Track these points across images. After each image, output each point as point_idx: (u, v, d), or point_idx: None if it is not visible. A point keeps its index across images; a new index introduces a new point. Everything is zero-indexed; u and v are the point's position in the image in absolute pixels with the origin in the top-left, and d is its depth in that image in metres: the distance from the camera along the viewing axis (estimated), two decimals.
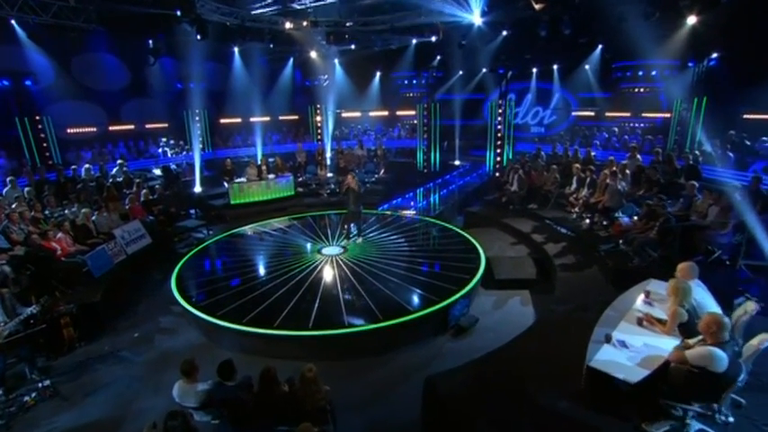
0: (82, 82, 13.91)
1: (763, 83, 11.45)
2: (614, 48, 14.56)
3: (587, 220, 9.28)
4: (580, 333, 4.52)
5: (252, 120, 17.79)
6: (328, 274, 7.55)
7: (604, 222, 8.82)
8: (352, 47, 15.79)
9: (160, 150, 15.59)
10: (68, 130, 14.25)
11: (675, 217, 7.13)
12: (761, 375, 4.06)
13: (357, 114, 20.93)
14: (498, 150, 14.51)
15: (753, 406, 3.90)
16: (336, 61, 18.42)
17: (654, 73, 15.68)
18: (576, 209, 9.72)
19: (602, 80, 16.49)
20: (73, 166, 11.26)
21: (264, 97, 17.69)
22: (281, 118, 19.26)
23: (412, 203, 12.21)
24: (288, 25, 12.46)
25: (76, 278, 6.90)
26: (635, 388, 3.56)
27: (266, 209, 11.73)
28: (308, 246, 8.96)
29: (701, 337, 3.64)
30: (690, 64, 13.70)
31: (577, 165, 10.34)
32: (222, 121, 18.18)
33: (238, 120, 18.38)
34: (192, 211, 11.78)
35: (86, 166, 11.09)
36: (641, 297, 4.84)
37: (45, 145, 12.00)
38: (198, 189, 13.32)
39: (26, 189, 9.12)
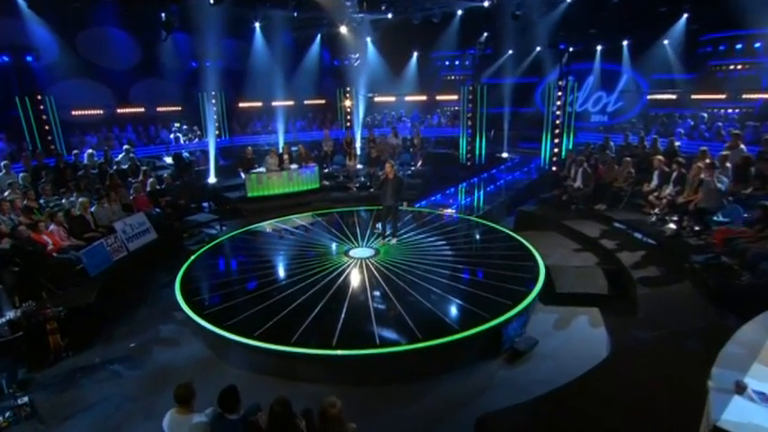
0: (88, 59, 13.98)
1: None
2: (704, 17, 13.31)
3: (673, 225, 8.35)
4: (684, 373, 3.72)
5: (274, 104, 17.67)
6: (357, 281, 7.24)
7: (696, 228, 7.86)
8: (389, 15, 15.36)
9: (172, 136, 15.55)
10: (72, 112, 14.36)
11: None
12: None
13: (391, 99, 20.60)
14: (556, 141, 13.71)
15: None
16: (369, 39, 18.18)
17: (758, 45, 14.22)
18: (658, 210, 8.93)
19: (686, 58, 15.32)
20: (75, 151, 11.19)
21: (288, 79, 17.57)
22: (306, 102, 19.20)
23: (453, 201, 11.98)
24: None
25: (69, 277, 6.69)
26: None
27: (287, 203, 11.67)
28: (334, 246, 8.77)
29: None
30: None
31: (660, 157, 9.42)
32: (241, 104, 18.08)
33: (259, 104, 18.27)
34: (205, 204, 11.83)
35: (89, 151, 11.04)
36: None
37: (47, 128, 12.06)
38: (212, 180, 13.32)
39: (21, 175, 9.02)
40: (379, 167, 11.93)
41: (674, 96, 15.99)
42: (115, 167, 10.80)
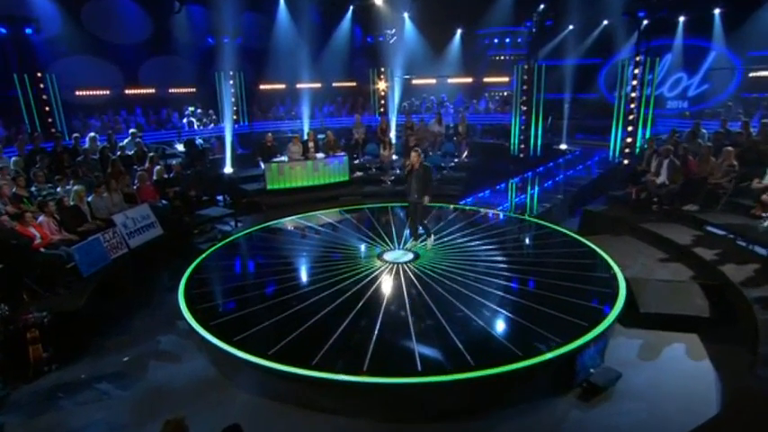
0: (94, 33, 13.95)
1: None
2: None
3: None
4: None
5: (298, 86, 17.60)
6: (392, 290, 6.82)
7: None
8: None
9: (185, 121, 15.52)
10: (76, 93, 14.42)
11: None
12: None
13: (431, 82, 20.38)
14: (629, 129, 12.96)
15: None
16: (406, 14, 17.89)
17: None
18: None
19: None
20: (75, 135, 11.08)
21: (315, 59, 17.40)
22: (335, 85, 19.10)
23: (504, 198, 11.64)
24: None
25: (57, 276, 6.38)
26: None
27: (312, 197, 11.62)
28: (365, 248, 8.49)
29: None
30: None
31: None
32: (262, 87, 18.06)
33: (282, 86, 18.28)
34: (219, 197, 11.81)
35: (91, 134, 10.89)
36: None
37: (47, 109, 11.98)
38: (228, 170, 13.29)
39: (13, 159, 8.85)
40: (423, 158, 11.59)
41: None
42: (119, 153, 10.58)
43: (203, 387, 5.34)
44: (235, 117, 15.54)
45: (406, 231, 8.79)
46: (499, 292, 6.70)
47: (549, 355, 5.26)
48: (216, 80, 15.38)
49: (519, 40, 19.92)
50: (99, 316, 6.64)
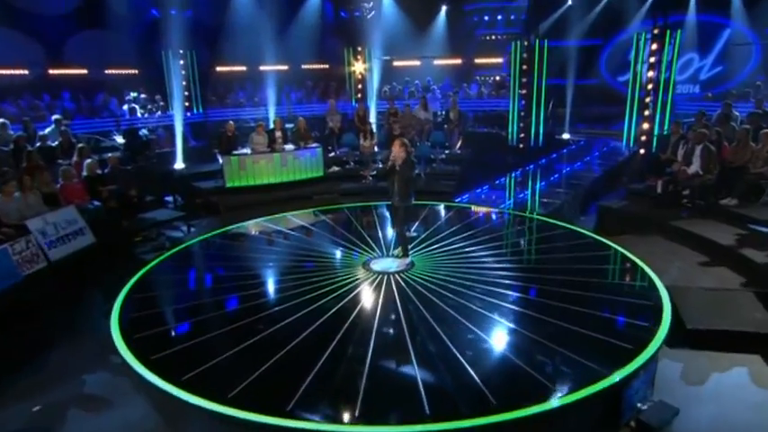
0: (7, 0, 13.39)
1: None
2: None
3: None
4: None
5: (262, 69, 17.41)
6: (384, 308, 6.24)
7: None
8: None
9: (125, 108, 14.95)
10: None
11: None
12: None
13: (415, 63, 20.59)
14: (646, 113, 12.80)
15: None
16: None
17: None
18: None
19: None
20: None
21: (280, 37, 17.22)
22: (304, 67, 19.01)
23: (507, 194, 11.59)
24: None
25: None
26: None
27: (280, 196, 11.40)
28: (344, 255, 8.05)
29: None
30: None
31: None
32: (218, 69, 17.89)
33: (242, 68, 18.10)
34: (168, 197, 11.60)
35: (1, 121, 10.01)
36: None
37: None
38: (179, 165, 13.04)
39: None
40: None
41: None
42: (39, 144, 9.76)
43: None
44: (186, 104, 15.28)
45: (393, 235, 8.40)
46: (515, 308, 6.16)
47: (590, 390, 4.66)
48: (162, 60, 14.96)
49: (512, 17, 19.90)
50: (4, 350, 5.92)
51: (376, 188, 11.67)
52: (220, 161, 11.62)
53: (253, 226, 9.67)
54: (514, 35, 19.22)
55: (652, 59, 12.53)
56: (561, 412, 4.51)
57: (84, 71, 15.47)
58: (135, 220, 9.32)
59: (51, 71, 14.93)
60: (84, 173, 9.05)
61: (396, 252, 7.71)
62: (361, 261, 7.59)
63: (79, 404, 5.22)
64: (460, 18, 20.37)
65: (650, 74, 12.64)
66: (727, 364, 5.64)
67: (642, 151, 12.76)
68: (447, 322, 5.77)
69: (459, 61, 20.75)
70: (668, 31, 12.36)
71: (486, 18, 20.75)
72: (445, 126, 13.89)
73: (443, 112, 14.76)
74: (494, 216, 9.98)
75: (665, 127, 12.65)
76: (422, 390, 4.66)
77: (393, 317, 5.99)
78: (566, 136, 16.29)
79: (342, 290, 6.65)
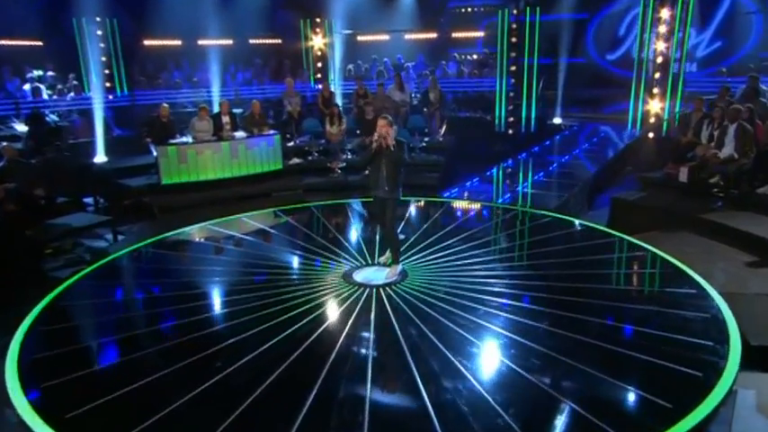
0: None
1: None
2: None
3: None
4: None
5: (201, 43, 17.19)
6: (377, 331, 5.71)
7: None
8: None
9: (27, 88, 14.35)
10: None
11: None
12: None
13: (383, 38, 20.44)
14: (655, 91, 12.87)
15: None
16: None
17: None
18: None
19: None
20: None
21: (223, 6, 16.77)
22: (252, 42, 18.83)
23: (504, 187, 11.57)
24: None
25: None
26: None
27: (230, 194, 11.03)
28: (318, 265, 7.58)
29: None
30: None
31: None
32: (147, 43, 17.47)
33: (176, 42, 17.76)
34: (88, 198, 11.02)
35: None
36: None
37: None
38: (100, 158, 12.50)
39: None
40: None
41: None
42: None
43: None
44: (108, 84, 14.79)
45: (378, 238, 7.97)
46: (543, 326, 5.65)
47: None
48: (75, 31, 14.30)
49: None
50: None
51: (347, 183, 11.47)
52: (154, 153, 11.01)
53: (197, 232, 9.22)
54: (493, 7, 19.11)
55: (662, 28, 12.54)
56: None
57: None
58: (43, 228, 8.61)
59: None
60: None
61: (383, 259, 7.20)
62: (340, 272, 7.07)
63: None
64: None
65: (660, 45, 12.61)
66: None
67: (651, 135, 12.76)
68: (460, 347, 5.22)
69: (433, 36, 20.78)
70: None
71: None
72: (425, 109, 13.64)
73: (417, 95, 14.67)
74: (494, 213, 9.87)
75: (677, 107, 12.72)
76: None
77: (392, 345, 5.35)
78: (557, 121, 16.41)
79: (319, 311, 6.02)
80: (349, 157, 12.47)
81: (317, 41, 16.75)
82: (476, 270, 7.07)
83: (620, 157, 12.93)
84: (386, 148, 6.51)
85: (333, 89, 14.51)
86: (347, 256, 7.57)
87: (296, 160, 12.18)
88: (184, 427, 4.28)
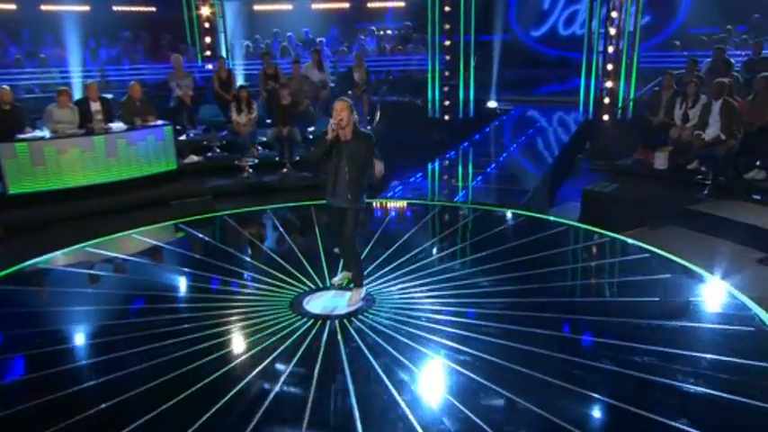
0: None
1: None
2: None
3: None
4: None
5: (44, 9, 16.25)
6: (359, 388, 4.98)
7: None
8: None
9: None
10: None
11: None
12: None
13: (285, 8, 19.90)
14: (609, 68, 13.06)
15: None
16: None
17: None
18: None
19: None
20: None
21: None
22: (117, 9, 17.78)
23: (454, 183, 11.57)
24: None
25: None
26: None
27: (108, 204, 10.15)
28: (252, 292, 6.97)
29: None
30: None
31: None
32: None
33: (9, 6, 16.69)
34: None
35: None
36: None
37: None
38: None
39: None
40: (299, 125, 11.20)
41: None
42: None
43: None
44: None
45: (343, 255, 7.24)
46: (568, 357, 5.23)
47: None
48: None
49: None
50: None
51: (262, 184, 10.93)
52: None
53: (65, 258, 8.14)
54: None
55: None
56: None
57: None
58: None
59: None
60: None
61: (337, 280, 6.67)
62: (285, 301, 6.38)
63: None
64: None
65: (614, 14, 12.85)
66: None
67: (606, 117, 13.03)
68: (481, 398, 4.64)
69: (346, 5, 20.44)
70: None
71: None
72: (348, 93, 13.06)
73: (333, 76, 14.28)
74: (458, 213, 9.72)
75: (632, 85, 13.07)
76: None
77: (381, 406, 4.61)
78: (492, 104, 16.59)
79: (267, 362, 5.18)
80: (260, 150, 11.88)
81: (204, 10, 16.05)
82: (462, 287, 6.67)
83: (573, 144, 13.16)
84: (346, 142, 5.84)
85: (232, 69, 13.81)
86: (291, 280, 6.88)
87: (193, 158, 11.37)
88: None
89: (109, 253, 8.13)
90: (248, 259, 7.89)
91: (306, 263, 7.46)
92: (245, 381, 4.90)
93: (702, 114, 9.30)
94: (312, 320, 5.92)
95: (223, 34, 16.38)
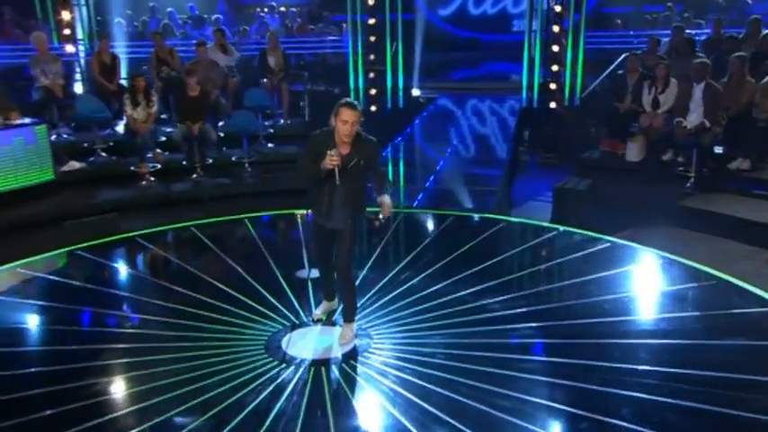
0: None
1: None
2: None
3: None
4: None
5: None
6: None
7: None
8: None
9: None
10: None
11: None
12: None
13: None
14: (554, 49, 13.13)
15: None
16: None
17: None
18: None
19: None
20: None
21: None
22: None
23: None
24: None
25: None
26: None
27: None
28: (212, 332, 6.21)
29: None
30: None
31: None
32: None
33: None
34: None
35: None
36: None
37: None
38: None
39: None
40: (212, 120, 10.87)
41: None
42: None
43: None
44: None
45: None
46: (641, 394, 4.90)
47: None
48: None
49: None
50: None
51: (170, 195, 10.16)
52: None
53: None
54: None
55: None
56: None
57: None
58: None
59: None
60: None
61: (318, 313, 6.20)
62: (260, 341, 5.84)
63: None
64: None
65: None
66: None
67: (553, 105, 13.17)
68: None
69: None
70: None
71: None
72: (263, 80, 12.50)
73: (259, 57, 13.49)
74: (424, 220, 9.62)
75: (579, 70, 13.27)
76: None
77: None
78: (415, 92, 16.59)
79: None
80: (166, 154, 11.07)
81: None
82: (468, 311, 6.30)
83: (519, 137, 13.24)
84: (349, 153, 5.27)
85: (113, 51, 12.57)
86: (254, 316, 6.27)
87: (74, 164, 10.38)
88: None
89: None
90: (190, 292, 6.96)
91: (265, 291, 6.83)
92: None
93: (682, 99, 9.42)
94: (299, 366, 5.34)
95: (85, 8, 14.94)
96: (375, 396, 5.03)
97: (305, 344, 5.79)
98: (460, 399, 4.91)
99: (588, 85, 13.06)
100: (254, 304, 6.62)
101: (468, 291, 6.92)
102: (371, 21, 14.05)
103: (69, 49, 14.31)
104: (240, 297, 6.78)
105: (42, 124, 10.03)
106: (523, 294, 6.98)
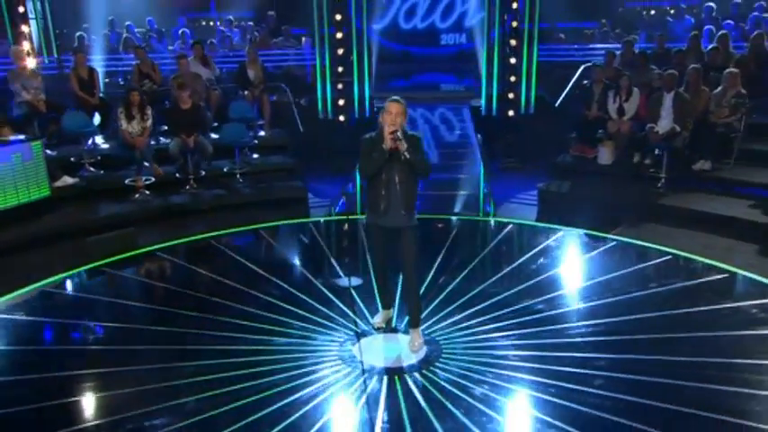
0: None
1: None
2: None
3: None
4: None
5: None
6: None
7: None
8: None
9: None
10: None
11: None
12: None
13: None
14: (512, 61, 13.01)
15: None
16: None
17: None
18: None
19: None
20: None
21: None
22: None
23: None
24: None
25: None
26: None
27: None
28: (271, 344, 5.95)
29: None
30: None
31: None
32: None
33: None
34: None
35: None
36: None
37: None
38: None
39: None
40: (205, 133, 10.50)
41: None
42: None
43: None
44: None
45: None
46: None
47: None
48: None
49: None
50: None
51: (169, 207, 9.75)
52: None
53: None
54: None
55: None
56: None
57: None
58: None
59: None
60: None
61: (378, 321, 5.96)
62: (333, 352, 5.55)
63: None
64: None
65: (515, 5, 12.95)
66: None
67: (511, 113, 13.18)
68: None
69: None
70: None
71: None
72: (244, 93, 12.15)
73: (238, 70, 13.03)
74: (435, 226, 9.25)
75: (533, 80, 13.28)
76: None
77: None
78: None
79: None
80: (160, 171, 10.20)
81: None
82: (523, 311, 6.11)
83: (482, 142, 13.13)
84: (399, 147, 5.18)
85: (91, 64, 11.93)
86: (314, 326, 5.98)
87: (67, 180, 9.77)
88: None
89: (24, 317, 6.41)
90: (238, 305, 6.56)
91: (312, 300, 6.54)
92: None
93: (653, 107, 9.61)
94: (382, 376, 5.13)
95: (43, 21, 14.23)
96: (473, 402, 4.81)
97: (376, 353, 5.58)
98: (563, 402, 4.72)
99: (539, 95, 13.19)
100: (307, 314, 6.33)
101: (509, 292, 6.76)
102: (339, 35, 13.70)
103: (30, 63, 13.19)
104: (290, 308, 6.48)
105: (38, 141, 9.38)
106: (561, 294, 6.84)
